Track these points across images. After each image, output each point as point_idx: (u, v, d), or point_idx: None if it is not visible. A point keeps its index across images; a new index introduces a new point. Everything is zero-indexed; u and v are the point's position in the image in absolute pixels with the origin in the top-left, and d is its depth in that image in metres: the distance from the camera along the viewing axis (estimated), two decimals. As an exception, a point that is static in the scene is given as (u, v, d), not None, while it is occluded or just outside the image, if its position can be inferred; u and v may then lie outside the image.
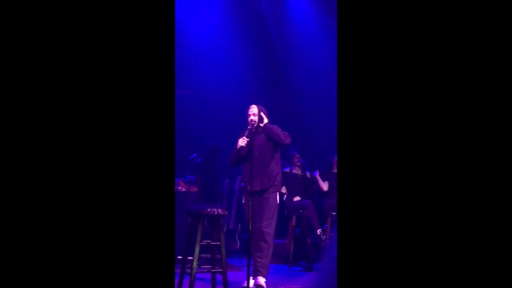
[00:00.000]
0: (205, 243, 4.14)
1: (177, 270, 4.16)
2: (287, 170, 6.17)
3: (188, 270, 4.03)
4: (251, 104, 4.55)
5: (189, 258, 4.15)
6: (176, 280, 4.00)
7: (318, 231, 5.85)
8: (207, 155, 5.89)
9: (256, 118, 4.47)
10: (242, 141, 4.37)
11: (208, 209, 4.08)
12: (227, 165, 5.86)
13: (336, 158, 6.10)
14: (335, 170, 6.11)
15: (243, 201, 4.65)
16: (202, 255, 5.22)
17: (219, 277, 4.14)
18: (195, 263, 3.96)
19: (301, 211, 5.96)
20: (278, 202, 4.51)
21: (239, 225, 6.05)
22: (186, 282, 4.00)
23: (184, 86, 7.02)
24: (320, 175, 6.14)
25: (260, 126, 4.47)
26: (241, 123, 4.57)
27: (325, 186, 6.10)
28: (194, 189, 5.77)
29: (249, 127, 4.44)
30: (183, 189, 5.72)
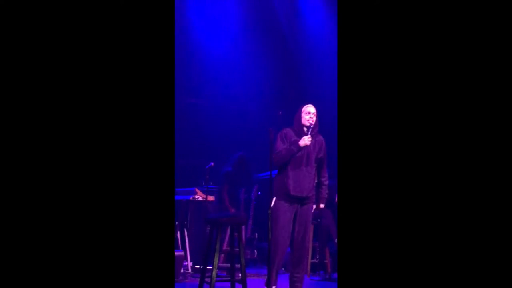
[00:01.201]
0: (225, 251, 4.11)
1: (195, 280, 4.12)
2: None
3: (208, 280, 3.99)
4: (307, 104, 4.26)
5: (208, 267, 4.12)
6: (196, 289, 3.96)
7: (337, 240, 5.78)
8: (236, 165, 5.88)
9: (315, 119, 4.22)
10: (308, 140, 4.11)
11: (227, 217, 4.05)
12: (253, 174, 5.94)
13: None
14: None
15: (271, 206, 4.12)
16: (220, 264, 5.19)
17: (238, 286, 4.10)
18: (214, 272, 3.93)
19: (319, 219, 5.91)
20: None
21: (256, 234, 6.02)
22: (206, 291, 3.97)
23: (201, 95, 7.04)
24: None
25: (314, 129, 4.20)
26: (259, 131, 4.50)
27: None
28: (211, 198, 5.75)
29: (310, 126, 4.17)
30: (200, 198, 5.69)
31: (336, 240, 5.77)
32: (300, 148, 4.11)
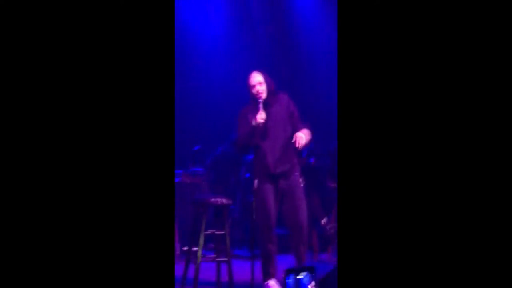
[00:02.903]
0: (210, 232, 4.16)
1: (182, 262, 4.18)
2: None
3: (193, 260, 4.05)
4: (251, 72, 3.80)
5: (194, 248, 4.17)
6: (182, 270, 4.02)
7: (322, 221, 5.85)
8: (230, 147, 5.87)
9: (263, 88, 3.75)
10: (261, 117, 3.65)
11: (212, 199, 4.09)
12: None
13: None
14: None
15: (254, 187, 3.87)
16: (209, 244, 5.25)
17: (225, 266, 4.16)
18: (199, 253, 3.98)
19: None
20: (302, 185, 3.85)
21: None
22: (191, 271, 4.03)
23: (189, 78, 7.03)
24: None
25: (270, 96, 3.76)
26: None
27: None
28: (197, 180, 5.79)
29: (259, 100, 3.72)
30: (188, 181, 5.74)
31: (322, 221, 5.83)
32: (254, 128, 3.68)
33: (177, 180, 5.74)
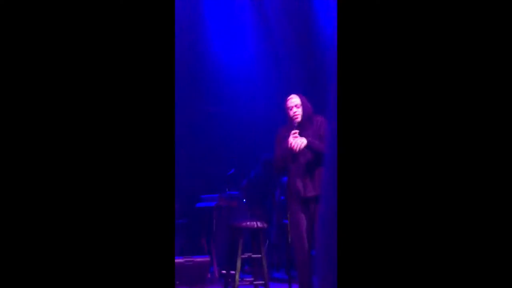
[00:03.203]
0: (247, 256, 4.20)
1: (221, 285, 4.22)
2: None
3: (232, 284, 4.10)
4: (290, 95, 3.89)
5: (231, 272, 4.22)
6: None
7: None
8: (263, 168, 5.90)
9: (300, 110, 3.83)
10: (293, 137, 3.68)
11: (248, 223, 4.15)
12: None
13: None
14: None
15: (288, 213, 3.88)
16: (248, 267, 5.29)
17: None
18: (237, 276, 4.03)
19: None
20: None
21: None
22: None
23: (221, 102, 7.13)
24: None
25: (305, 119, 3.81)
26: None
27: None
28: (233, 204, 5.85)
29: (295, 122, 3.79)
30: (224, 204, 5.81)
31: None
32: (290, 149, 3.70)
33: (213, 204, 5.82)
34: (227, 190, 5.90)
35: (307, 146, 3.66)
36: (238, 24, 7.29)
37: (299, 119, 3.82)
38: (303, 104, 3.85)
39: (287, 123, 3.91)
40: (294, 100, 3.86)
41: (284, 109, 3.92)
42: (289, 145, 3.67)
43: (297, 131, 3.71)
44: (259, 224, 4.15)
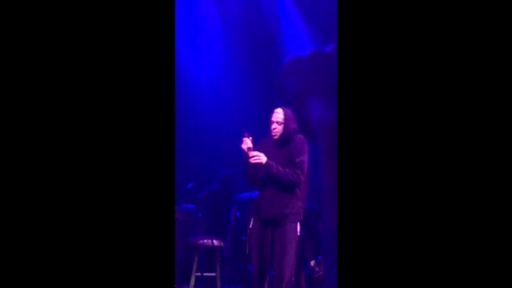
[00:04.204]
0: (200, 274, 4.19)
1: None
2: None
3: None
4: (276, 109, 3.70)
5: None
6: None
7: (312, 262, 5.88)
8: (222, 184, 5.86)
9: (281, 128, 3.68)
10: (254, 159, 3.55)
11: (205, 240, 4.13)
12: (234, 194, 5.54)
13: None
14: None
15: (249, 231, 3.77)
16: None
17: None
18: (190, 294, 4.02)
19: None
20: (298, 234, 3.68)
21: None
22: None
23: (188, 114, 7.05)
24: None
25: (285, 137, 3.67)
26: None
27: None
28: (189, 218, 5.81)
29: (273, 137, 3.68)
30: (179, 218, 5.76)
31: (311, 263, 5.87)
32: (256, 165, 3.59)
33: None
34: (183, 203, 5.85)
35: (265, 167, 3.58)
36: (205, 28, 7.28)
37: (277, 136, 3.68)
38: (286, 121, 3.67)
39: (269, 135, 3.75)
40: (278, 116, 3.69)
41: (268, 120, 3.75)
42: (249, 157, 3.58)
43: (250, 145, 3.59)
44: (215, 242, 4.14)
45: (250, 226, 3.76)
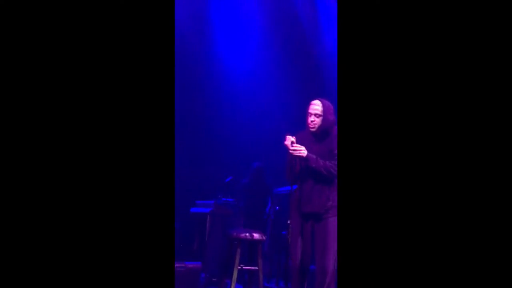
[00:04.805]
0: (241, 267, 4.17)
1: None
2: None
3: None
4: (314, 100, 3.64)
5: (226, 281, 4.19)
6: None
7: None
8: (254, 177, 5.86)
9: (319, 120, 3.62)
10: (295, 149, 3.54)
11: (247, 234, 4.11)
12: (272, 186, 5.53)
13: None
14: None
15: (290, 225, 3.66)
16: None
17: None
18: (233, 286, 4.00)
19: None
20: None
21: None
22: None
23: (222, 106, 7.05)
24: None
25: (323, 130, 3.64)
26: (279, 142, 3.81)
27: None
28: (229, 211, 5.81)
29: (310, 131, 3.64)
30: (219, 212, 5.77)
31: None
32: (298, 158, 3.56)
33: (208, 210, 5.78)
34: (222, 197, 5.86)
35: (305, 159, 3.56)
36: (240, 25, 7.25)
37: (315, 129, 3.63)
38: (325, 114, 3.61)
39: (306, 128, 3.72)
40: (316, 108, 3.63)
41: (305, 113, 3.70)
42: (289, 152, 3.55)
43: (293, 140, 3.55)
44: (257, 236, 4.12)
45: (289, 221, 3.69)
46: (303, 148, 3.56)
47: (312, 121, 3.62)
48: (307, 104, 3.68)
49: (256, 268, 4.15)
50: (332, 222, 3.58)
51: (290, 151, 3.54)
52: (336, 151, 3.57)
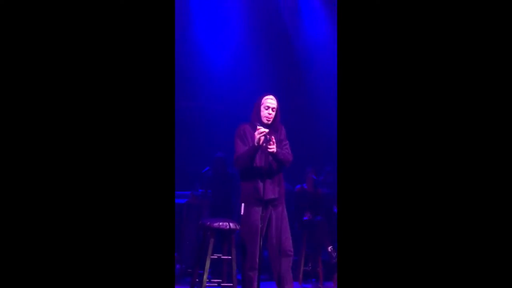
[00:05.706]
0: (216, 257, 4.13)
1: (186, 286, 4.14)
2: (299, 187, 6.16)
3: (199, 284, 4.02)
4: (267, 95, 3.85)
5: (199, 271, 4.15)
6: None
7: (329, 248, 5.81)
8: (216, 168, 5.87)
9: (273, 115, 3.81)
10: (260, 133, 3.63)
11: (220, 223, 4.07)
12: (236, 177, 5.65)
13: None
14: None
15: (241, 213, 3.80)
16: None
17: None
18: (205, 277, 3.96)
19: (312, 227, 5.94)
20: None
21: None
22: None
23: (200, 97, 7.03)
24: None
25: (274, 124, 3.81)
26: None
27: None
28: (206, 202, 5.77)
29: (264, 124, 3.77)
30: (195, 203, 5.73)
31: (329, 248, 5.79)
32: (256, 147, 3.68)
33: (183, 201, 5.73)
34: (198, 188, 5.81)
35: (271, 153, 3.69)
36: (224, 22, 7.24)
37: (270, 122, 3.80)
38: (278, 108, 3.84)
39: (250, 121, 3.85)
40: (273, 102, 3.82)
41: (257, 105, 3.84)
42: (256, 141, 3.63)
43: (264, 130, 3.64)
44: (231, 225, 4.08)
45: (242, 212, 3.80)
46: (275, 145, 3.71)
47: (269, 114, 3.79)
48: (260, 97, 3.85)
49: (230, 257, 4.10)
50: (283, 204, 3.87)
51: (262, 145, 3.64)
52: (284, 142, 3.88)
